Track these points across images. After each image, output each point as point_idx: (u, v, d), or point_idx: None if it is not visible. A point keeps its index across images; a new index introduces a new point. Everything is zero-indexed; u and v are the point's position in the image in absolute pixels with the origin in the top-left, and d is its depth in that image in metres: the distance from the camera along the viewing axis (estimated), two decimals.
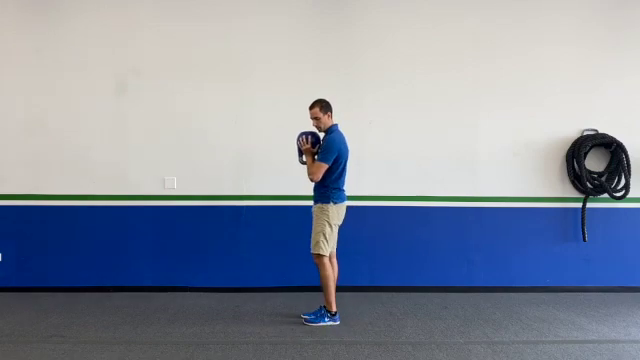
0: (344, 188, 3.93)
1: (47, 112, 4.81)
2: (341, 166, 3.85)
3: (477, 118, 4.93)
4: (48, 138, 4.80)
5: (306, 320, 3.89)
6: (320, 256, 3.81)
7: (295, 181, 4.56)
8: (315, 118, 3.87)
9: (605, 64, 4.97)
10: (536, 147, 4.96)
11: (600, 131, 4.95)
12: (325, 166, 3.76)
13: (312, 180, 3.84)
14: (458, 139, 4.92)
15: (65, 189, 4.81)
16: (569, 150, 4.94)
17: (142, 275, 4.82)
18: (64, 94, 4.81)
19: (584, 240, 4.92)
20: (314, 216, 3.92)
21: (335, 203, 3.84)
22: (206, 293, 4.76)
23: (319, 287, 3.91)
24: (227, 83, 4.84)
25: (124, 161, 4.82)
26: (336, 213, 3.86)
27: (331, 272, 3.85)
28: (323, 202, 3.86)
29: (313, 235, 3.87)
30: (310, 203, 4.01)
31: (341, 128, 3.93)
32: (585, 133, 4.97)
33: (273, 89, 4.84)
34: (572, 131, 4.98)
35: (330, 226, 3.83)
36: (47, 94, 4.80)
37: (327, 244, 3.83)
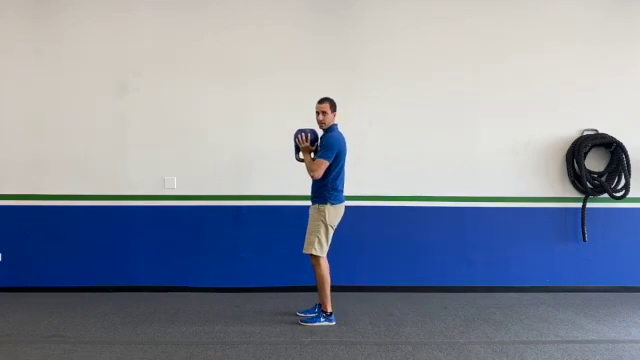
0: (342, 189, 3.92)
1: (47, 112, 4.80)
2: (339, 165, 3.84)
3: (477, 118, 4.93)
4: (48, 138, 4.80)
5: (302, 320, 3.88)
6: (316, 257, 3.81)
7: (295, 181, 4.56)
8: (323, 112, 3.84)
9: (605, 64, 4.97)
10: (536, 147, 4.96)
11: (600, 131, 4.95)
12: (326, 163, 3.76)
13: (313, 177, 3.81)
14: (458, 139, 4.91)
15: (65, 189, 4.81)
16: (569, 150, 4.94)
17: (142, 275, 4.82)
18: (64, 94, 4.81)
19: (584, 240, 4.92)
20: (310, 216, 3.91)
21: (333, 204, 3.83)
22: (206, 293, 4.76)
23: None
24: (227, 83, 4.83)
25: (124, 161, 4.82)
26: (334, 214, 3.85)
27: (327, 273, 3.82)
28: (320, 202, 3.84)
29: (307, 235, 3.85)
30: (310, 203, 4.00)
31: (341, 128, 3.92)
32: (585, 133, 4.97)
33: (273, 89, 4.84)
34: (572, 131, 4.98)
35: (326, 227, 3.81)
36: (47, 94, 4.80)
37: (323, 245, 3.81)
